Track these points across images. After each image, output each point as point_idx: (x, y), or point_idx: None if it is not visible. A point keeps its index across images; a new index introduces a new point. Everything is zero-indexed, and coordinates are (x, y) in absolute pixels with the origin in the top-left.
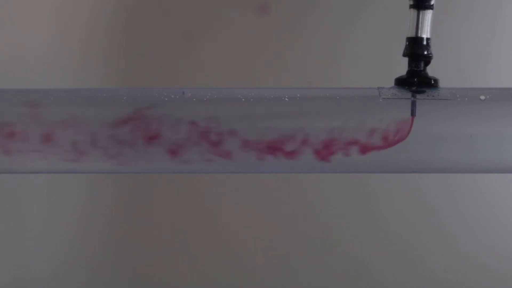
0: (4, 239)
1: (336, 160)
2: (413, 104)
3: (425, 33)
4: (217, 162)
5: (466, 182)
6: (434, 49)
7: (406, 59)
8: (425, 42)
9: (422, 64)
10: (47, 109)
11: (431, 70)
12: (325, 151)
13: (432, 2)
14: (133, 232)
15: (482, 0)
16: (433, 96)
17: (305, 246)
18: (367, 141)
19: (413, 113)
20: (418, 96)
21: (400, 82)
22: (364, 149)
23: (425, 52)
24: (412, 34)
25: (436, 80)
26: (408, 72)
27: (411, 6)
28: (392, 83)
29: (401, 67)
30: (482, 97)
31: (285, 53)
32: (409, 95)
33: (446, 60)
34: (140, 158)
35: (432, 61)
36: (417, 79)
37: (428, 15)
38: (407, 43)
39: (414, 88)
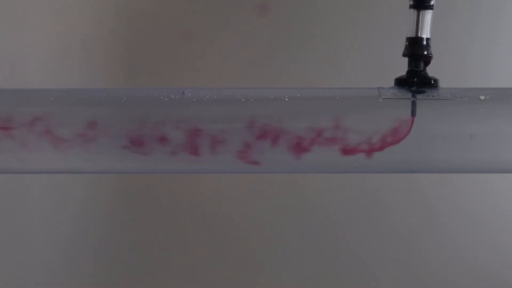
0: (4, 239)
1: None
2: (413, 104)
3: (425, 33)
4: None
5: (468, 182)
6: (434, 49)
7: (406, 59)
8: (425, 42)
9: (422, 64)
10: (47, 109)
11: (431, 70)
12: None
13: (432, 2)
14: (133, 232)
15: (482, 0)
16: (433, 96)
17: (306, 247)
18: (367, 141)
19: (413, 113)
20: (418, 96)
21: (400, 82)
22: (364, 149)
23: (425, 52)
24: (412, 34)
25: (436, 80)
26: (408, 72)
27: (411, 6)
28: (392, 83)
29: (401, 67)
30: (482, 97)
31: (285, 53)
32: (409, 95)
33: (446, 60)
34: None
35: (432, 61)
36: (417, 79)
37: (428, 15)
38: (407, 43)
39: (414, 88)
